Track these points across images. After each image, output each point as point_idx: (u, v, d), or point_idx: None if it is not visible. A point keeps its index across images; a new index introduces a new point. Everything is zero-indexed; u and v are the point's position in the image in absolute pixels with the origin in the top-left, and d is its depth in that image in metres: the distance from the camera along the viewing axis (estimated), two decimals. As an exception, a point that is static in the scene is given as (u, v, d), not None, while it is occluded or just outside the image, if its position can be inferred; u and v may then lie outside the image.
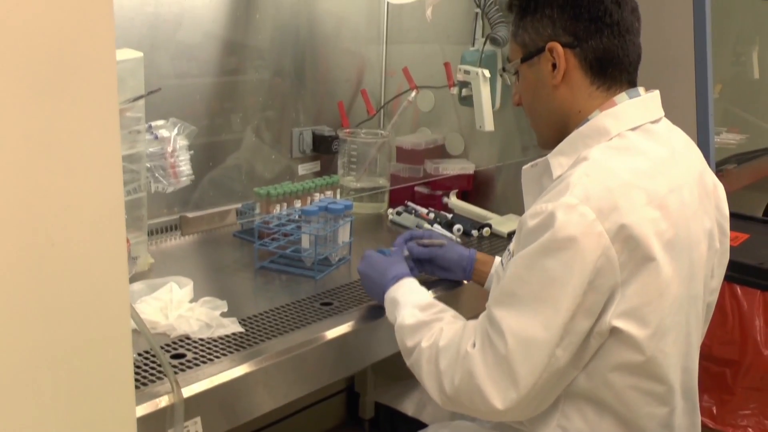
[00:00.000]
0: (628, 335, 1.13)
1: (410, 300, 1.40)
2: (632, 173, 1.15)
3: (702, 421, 2.17)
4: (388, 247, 1.66)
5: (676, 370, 1.20)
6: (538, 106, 1.31)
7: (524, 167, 1.32)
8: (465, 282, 1.70)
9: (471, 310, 1.60)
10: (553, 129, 1.29)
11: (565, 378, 1.17)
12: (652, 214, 1.13)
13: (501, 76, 1.41)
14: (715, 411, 2.20)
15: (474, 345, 1.18)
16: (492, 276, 1.59)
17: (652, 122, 1.25)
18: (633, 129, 1.22)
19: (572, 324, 1.10)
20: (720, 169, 2.84)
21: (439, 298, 1.45)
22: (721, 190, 1.36)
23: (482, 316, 1.21)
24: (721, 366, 2.18)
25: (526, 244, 1.14)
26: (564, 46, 1.24)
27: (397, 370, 1.99)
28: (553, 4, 1.24)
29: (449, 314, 1.34)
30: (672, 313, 1.16)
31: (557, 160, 1.24)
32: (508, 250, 1.25)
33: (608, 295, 1.11)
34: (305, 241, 1.79)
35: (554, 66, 1.25)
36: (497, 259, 1.62)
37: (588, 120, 1.24)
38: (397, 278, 1.47)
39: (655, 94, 1.29)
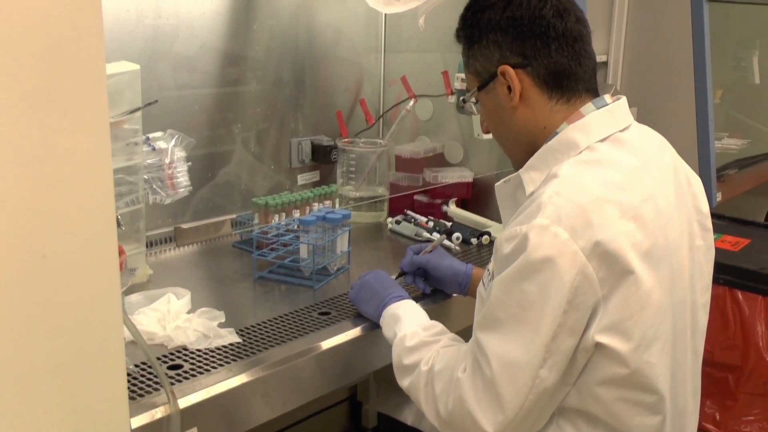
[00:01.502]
0: (612, 349, 1.12)
1: (412, 318, 1.40)
2: (603, 187, 1.14)
3: (705, 427, 2.18)
4: (390, 257, 1.66)
5: (665, 379, 1.20)
6: (504, 131, 1.31)
7: (497, 184, 1.32)
8: (454, 295, 1.70)
9: (460, 324, 1.60)
10: (523, 150, 1.28)
11: (556, 396, 1.17)
12: (627, 226, 1.12)
13: (462, 107, 1.40)
14: (717, 417, 2.20)
15: (464, 370, 1.19)
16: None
17: (621, 131, 1.24)
18: (602, 140, 1.21)
19: (555, 344, 1.10)
20: (721, 174, 2.84)
21: (427, 311, 1.45)
22: (697, 186, 1.34)
23: (471, 340, 1.21)
24: (724, 371, 2.17)
25: (503, 268, 1.14)
26: (514, 67, 1.23)
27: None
28: (496, 29, 1.24)
29: (447, 337, 1.34)
30: (656, 323, 1.16)
31: (529, 175, 1.23)
32: (488, 270, 1.25)
33: (591, 312, 1.11)
34: (303, 251, 1.79)
35: (510, 88, 1.24)
36: None
37: (557, 133, 1.23)
38: (400, 297, 1.48)
39: (622, 102, 1.28)
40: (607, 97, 1.27)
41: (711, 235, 1.34)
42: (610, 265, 1.10)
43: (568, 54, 1.23)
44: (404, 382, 1.32)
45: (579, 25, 1.25)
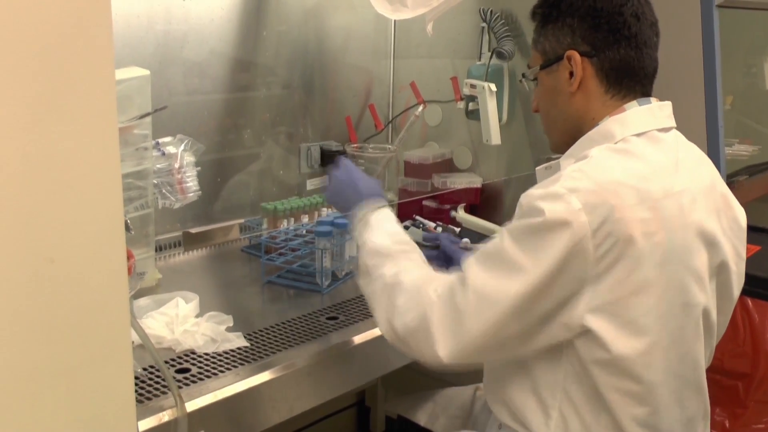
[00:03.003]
0: (597, 331, 1.14)
1: (383, 226, 1.41)
2: (626, 173, 1.17)
3: (714, 436, 2.16)
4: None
5: (657, 372, 1.20)
6: (554, 113, 1.34)
7: (538, 168, 1.35)
8: None
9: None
10: (567, 135, 1.32)
11: (511, 350, 1.20)
12: (642, 214, 1.14)
13: (520, 82, 1.45)
14: (727, 425, 2.18)
15: (436, 292, 1.21)
16: None
17: (660, 130, 1.27)
18: (638, 135, 1.24)
19: (532, 301, 1.12)
20: (731, 180, 2.82)
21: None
22: (738, 211, 1.35)
23: (456, 272, 1.23)
24: (733, 379, 2.16)
25: (515, 220, 1.18)
26: (582, 54, 1.27)
27: (407, 383, 1.99)
28: (574, 14, 1.28)
29: (417, 255, 1.36)
30: (652, 313, 1.16)
31: (567, 162, 1.27)
32: None
33: (577, 287, 1.13)
34: (317, 257, 1.79)
35: (571, 74, 1.28)
36: None
37: (598, 125, 1.27)
38: (375, 199, 1.45)
39: (666, 104, 1.31)
40: (653, 99, 1.30)
41: (743, 263, 1.36)
42: (612, 246, 1.11)
43: (634, 55, 1.27)
44: (362, 280, 1.35)
45: (651, 32, 1.29)
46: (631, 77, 1.28)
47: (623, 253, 1.12)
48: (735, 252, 1.32)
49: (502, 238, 1.18)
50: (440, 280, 1.24)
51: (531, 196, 1.16)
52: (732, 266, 1.31)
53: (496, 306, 1.14)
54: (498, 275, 1.15)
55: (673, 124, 1.31)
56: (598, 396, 1.18)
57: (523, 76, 1.41)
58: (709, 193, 1.29)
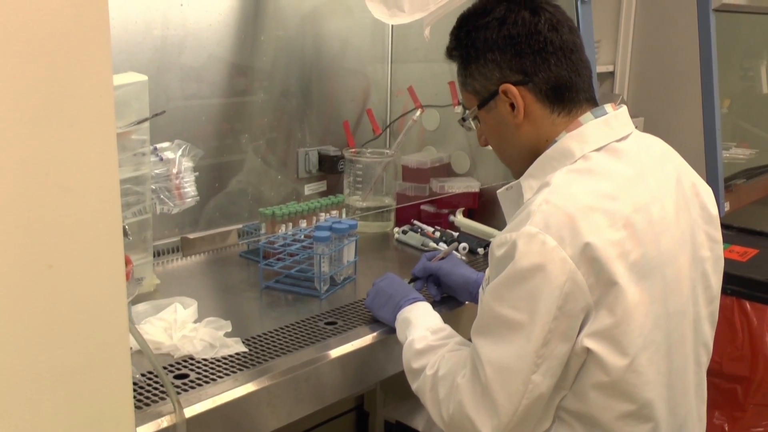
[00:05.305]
0: (599, 356, 1.13)
1: (422, 322, 1.41)
2: (593, 196, 1.15)
3: (713, 439, 2.16)
4: (397, 267, 1.67)
5: (654, 388, 1.19)
6: (507, 146, 1.32)
7: (499, 191, 1.33)
8: (466, 303, 1.70)
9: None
10: (525, 161, 1.29)
11: (554, 400, 1.18)
12: (616, 235, 1.13)
13: (462, 126, 1.41)
14: (726, 428, 2.18)
15: (464, 375, 1.20)
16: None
17: (618, 140, 1.25)
18: (597, 149, 1.22)
19: (547, 350, 1.11)
20: (729, 184, 2.83)
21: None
22: (706, 195, 1.33)
23: (471, 345, 1.22)
24: (732, 382, 2.16)
25: (495, 275, 1.16)
26: (516, 84, 1.24)
27: (406, 388, 1.99)
28: (493, 48, 1.25)
29: (454, 341, 1.34)
30: (644, 333, 1.16)
31: (528, 183, 1.25)
32: (486, 274, 1.26)
33: (583, 317, 1.12)
34: (314, 261, 1.79)
35: (512, 106, 1.26)
36: None
37: (555, 142, 1.25)
38: (413, 300, 1.49)
39: (621, 111, 1.28)
40: (608, 107, 1.27)
41: (720, 246, 1.34)
42: (598, 273, 1.11)
43: (567, 66, 1.24)
44: (413, 385, 1.34)
45: (573, 36, 1.26)
46: (570, 90, 1.25)
47: (609, 280, 1.11)
48: (708, 238, 1.31)
49: (489, 301, 1.16)
50: (465, 360, 1.22)
51: (503, 242, 1.14)
52: (706, 253, 1.30)
53: (517, 373, 1.12)
54: (506, 342, 1.13)
55: (632, 129, 1.29)
56: (593, 413, 1.17)
57: (463, 119, 1.37)
58: (677, 190, 1.28)
